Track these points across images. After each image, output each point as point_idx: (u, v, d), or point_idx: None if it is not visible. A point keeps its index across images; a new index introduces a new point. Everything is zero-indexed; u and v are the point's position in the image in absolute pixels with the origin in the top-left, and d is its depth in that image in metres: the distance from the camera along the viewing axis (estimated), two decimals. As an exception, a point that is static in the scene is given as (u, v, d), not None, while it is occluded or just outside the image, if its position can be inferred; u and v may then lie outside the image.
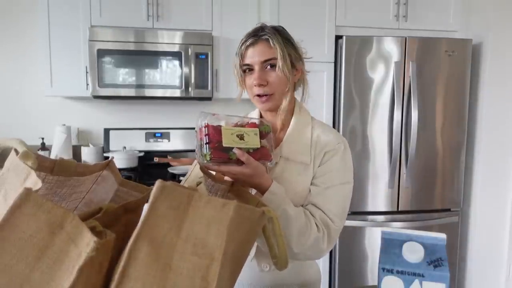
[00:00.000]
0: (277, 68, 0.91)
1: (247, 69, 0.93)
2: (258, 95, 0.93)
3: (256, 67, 0.91)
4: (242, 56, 0.93)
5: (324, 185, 0.92)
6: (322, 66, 2.25)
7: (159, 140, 2.61)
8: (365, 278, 2.26)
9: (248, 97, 0.98)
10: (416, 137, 2.16)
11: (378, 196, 2.22)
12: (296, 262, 0.98)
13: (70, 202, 0.58)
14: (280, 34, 0.93)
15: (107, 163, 0.63)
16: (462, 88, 2.24)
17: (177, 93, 2.34)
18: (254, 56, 0.91)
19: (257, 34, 0.92)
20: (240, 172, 0.79)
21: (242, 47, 0.93)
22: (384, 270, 0.61)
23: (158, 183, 0.46)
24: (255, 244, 0.94)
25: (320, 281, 1.07)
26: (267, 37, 0.91)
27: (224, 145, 0.77)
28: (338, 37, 2.25)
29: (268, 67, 0.92)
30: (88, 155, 2.46)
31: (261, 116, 1.03)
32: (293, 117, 0.99)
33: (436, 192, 2.27)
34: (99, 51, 2.24)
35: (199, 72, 2.34)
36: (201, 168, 0.73)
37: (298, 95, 1.02)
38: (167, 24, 2.35)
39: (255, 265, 0.96)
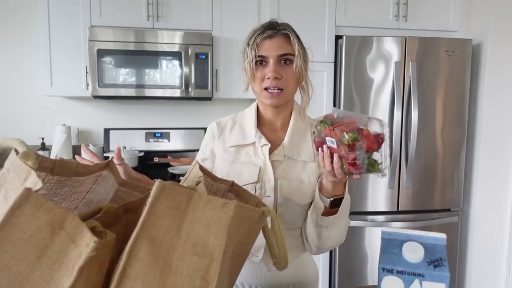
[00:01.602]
0: (294, 66, 0.91)
1: (260, 61, 0.92)
2: (267, 89, 0.91)
3: (271, 60, 0.90)
4: (257, 47, 0.91)
5: None
6: (322, 66, 2.25)
7: (159, 140, 2.61)
8: (365, 278, 2.26)
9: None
10: (416, 137, 2.16)
11: (378, 196, 2.22)
12: (296, 261, 0.99)
13: (70, 202, 0.58)
14: (295, 32, 0.94)
15: (107, 163, 0.63)
16: (462, 88, 2.24)
17: (177, 93, 2.34)
18: (271, 48, 0.90)
19: (275, 28, 0.92)
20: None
21: (258, 38, 0.91)
22: (384, 270, 0.61)
23: (157, 183, 0.46)
24: (264, 246, 0.94)
25: (318, 281, 1.07)
26: (286, 32, 0.92)
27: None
28: (338, 37, 2.25)
29: (282, 62, 0.91)
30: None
31: (258, 113, 1.01)
32: (292, 117, 0.99)
33: (436, 192, 2.27)
34: (99, 51, 2.24)
35: (199, 72, 2.34)
36: (201, 168, 0.73)
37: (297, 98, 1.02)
38: (167, 24, 2.35)
39: (255, 264, 0.96)
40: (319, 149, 0.78)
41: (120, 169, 0.89)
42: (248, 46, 0.92)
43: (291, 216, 0.95)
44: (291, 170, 0.95)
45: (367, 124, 0.73)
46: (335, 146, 0.73)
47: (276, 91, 0.91)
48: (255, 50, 0.90)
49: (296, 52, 0.91)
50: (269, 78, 0.90)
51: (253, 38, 0.91)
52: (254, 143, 0.96)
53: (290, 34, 0.92)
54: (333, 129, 0.73)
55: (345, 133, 0.70)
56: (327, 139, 0.75)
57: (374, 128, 0.73)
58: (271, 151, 0.96)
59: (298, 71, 0.92)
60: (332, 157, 0.76)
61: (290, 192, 0.93)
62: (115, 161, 0.89)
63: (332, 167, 0.76)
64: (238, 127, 1.01)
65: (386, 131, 0.72)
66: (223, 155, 0.99)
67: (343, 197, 0.86)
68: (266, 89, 0.91)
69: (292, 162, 0.95)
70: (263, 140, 0.95)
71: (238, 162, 0.96)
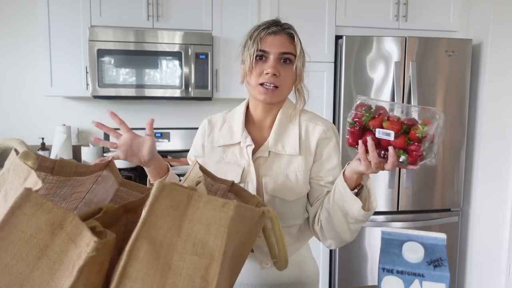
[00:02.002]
0: (294, 66, 0.91)
1: (260, 55, 0.91)
2: (263, 84, 0.90)
3: (272, 57, 0.90)
4: (260, 41, 0.90)
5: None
6: (322, 66, 2.25)
7: (159, 140, 2.61)
8: (365, 278, 2.26)
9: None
10: (416, 137, 2.16)
11: (378, 196, 2.22)
12: (296, 260, 0.99)
13: (70, 202, 0.58)
14: (298, 34, 0.95)
15: (107, 163, 0.63)
16: (462, 88, 2.24)
17: (177, 93, 2.34)
18: (274, 45, 0.90)
19: (280, 25, 0.92)
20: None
21: (262, 33, 0.90)
22: (384, 270, 0.61)
23: (157, 183, 0.46)
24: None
25: (319, 280, 1.07)
26: (291, 31, 0.92)
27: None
28: (338, 37, 2.25)
29: (282, 60, 0.91)
30: (88, 155, 2.46)
31: (247, 111, 1.00)
32: (279, 113, 0.98)
33: (436, 192, 2.27)
34: (99, 51, 2.24)
35: (199, 72, 2.34)
36: (201, 168, 0.73)
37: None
38: (167, 24, 2.35)
39: (254, 264, 0.96)
40: (360, 141, 0.75)
41: (148, 140, 0.86)
42: (251, 39, 0.91)
43: (281, 214, 0.94)
44: (276, 166, 0.94)
45: (410, 113, 0.73)
46: (391, 138, 0.71)
47: (271, 87, 0.90)
48: (257, 44, 0.90)
49: (298, 53, 0.91)
50: (267, 73, 0.89)
51: (257, 32, 0.91)
52: (240, 142, 0.96)
53: (295, 34, 0.92)
54: (390, 120, 0.72)
55: (419, 125, 0.70)
56: (379, 130, 0.72)
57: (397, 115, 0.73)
58: (256, 150, 0.95)
59: (297, 72, 0.92)
60: (377, 148, 0.74)
61: (276, 190, 0.92)
62: (147, 131, 0.87)
63: (380, 159, 0.74)
64: (227, 126, 1.00)
65: (439, 121, 0.72)
66: (211, 154, 0.99)
67: (362, 186, 0.85)
68: (261, 84, 0.90)
69: (277, 157, 0.94)
70: (248, 141, 0.95)
71: (223, 162, 0.96)
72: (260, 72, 0.90)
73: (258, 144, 0.96)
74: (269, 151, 0.94)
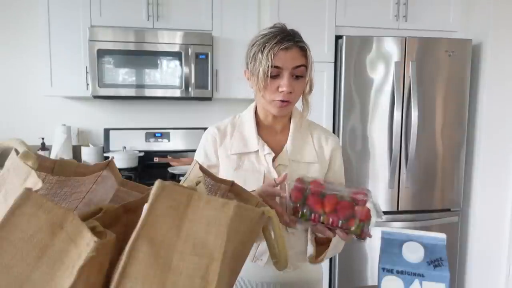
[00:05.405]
0: (307, 78, 0.93)
1: (273, 71, 0.89)
2: (279, 100, 0.91)
3: (286, 73, 0.89)
4: (273, 57, 0.88)
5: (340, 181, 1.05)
6: (322, 66, 2.25)
7: (159, 140, 2.61)
8: (365, 278, 2.26)
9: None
10: (416, 137, 2.16)
11: (378, 196, 2.22)
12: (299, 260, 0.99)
13: (70, 202, 0.58)
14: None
15: (107, 163, 0.63)
16: (462, 88, 2.24)
17: (177, 93, 2.34)
18: (286, 60, 0.89)
19: (293, 39, 0.90)
20: None
21: (275, 48, 0.88)
22: (384, 270, 0.61)
23: (157, 183, 0.46)
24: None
25: (322, 280, 1.08)
26: (303, 45, 0.92)
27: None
28: (338, 37, 2.25)
29: (295, 75, 0.91)
30: (88, 155, 2.46)
31: (256, 116, 1.02)
32: (292, 121, 1.01)
33: (436, 192, 2.27)
34: (99, 51, 2.24)
35: (199, 72, 2.34)
36: (201, 168, 0.73)
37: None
38: (167, 24, 2.35)
39: (260, 263, 0.97)
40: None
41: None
42: (262, 54, 0.89)
43: None
44: (296, 174, 0.95)
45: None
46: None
47: (285, 102, 0.91)
48: (271, 60, 0.88)
49: (309, 65, 0.92)
50: (282, 91, 0.89)
51: (269, 46, 0.88)
52: (257, 151, 0.97)
53: (306, 47, 0.92)
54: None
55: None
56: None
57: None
58: (274, 156, 0.97)
59: (310, 83, 0.94)
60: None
61: None
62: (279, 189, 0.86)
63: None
64: (238, 134, 1.00)
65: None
66: (226, 161, 0.99)
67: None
68: (278, 100, 0.92)
69: (297, 165, 0.98)
70: (266, 149, 0.96)
71: (241, 170, 0.97)
72: (275, 88, 0.91)
73: (273, 148, 0.98)
74: (289, 159, 0.97)
